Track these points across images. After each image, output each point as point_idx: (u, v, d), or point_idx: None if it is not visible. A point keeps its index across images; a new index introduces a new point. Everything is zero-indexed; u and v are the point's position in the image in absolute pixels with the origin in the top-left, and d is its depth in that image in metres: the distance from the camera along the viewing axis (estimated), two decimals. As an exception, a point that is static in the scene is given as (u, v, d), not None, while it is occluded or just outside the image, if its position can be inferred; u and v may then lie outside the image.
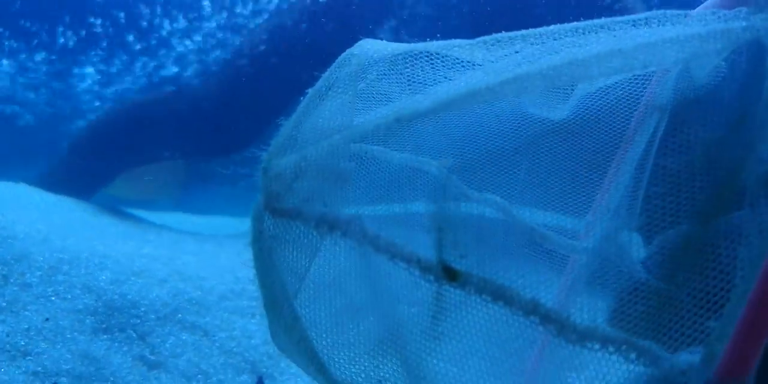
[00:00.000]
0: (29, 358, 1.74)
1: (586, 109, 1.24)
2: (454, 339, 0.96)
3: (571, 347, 0.87)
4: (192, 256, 2.88)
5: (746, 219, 0.77)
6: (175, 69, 6.84)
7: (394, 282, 1.03)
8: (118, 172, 5.66)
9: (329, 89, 1.30)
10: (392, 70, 1.24)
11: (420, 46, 1.22)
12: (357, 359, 1.05)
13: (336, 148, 1.15)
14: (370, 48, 1.27)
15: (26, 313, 1.95)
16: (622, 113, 1.23)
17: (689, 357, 0.79)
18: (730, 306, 0.75)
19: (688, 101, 1.13)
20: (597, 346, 0.84)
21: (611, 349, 0.83)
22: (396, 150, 1.22)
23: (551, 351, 0.93)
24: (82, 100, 7.29)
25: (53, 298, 2.05)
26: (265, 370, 2.04)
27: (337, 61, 1.29)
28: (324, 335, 1.06)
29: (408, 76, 1.22)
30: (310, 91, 1.32)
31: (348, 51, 1.29)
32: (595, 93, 1.24)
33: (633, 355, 0.82)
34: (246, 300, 2.33)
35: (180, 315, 2.19)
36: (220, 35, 6.56)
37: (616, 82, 1.23)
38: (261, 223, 1.14)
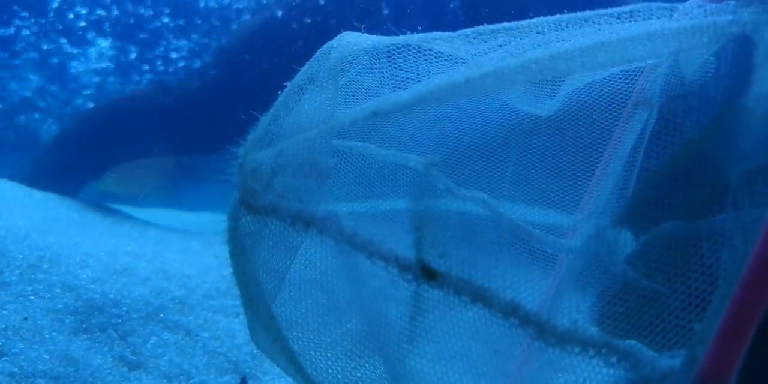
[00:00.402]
0: (5, 358, 1.71)
1: (574, 105, 1.21)
2: (435, 339, 0.94)
3: (551, 350, 0.84)
4: (177, 253, 2.84)
5: (729, 219, 0.75)
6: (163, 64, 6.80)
7: (373, 281, 1.01)
8: (105, 169, 5.62)
9: (309, 83, 1.27)
10: (374, 64, 1.22)
11: (401, 38, 1.19)
12: (335, 359, 1.03)
13: (314, 142, 1.12)
14: (351, 41, 1.24)
15: (4, 312, 1.92)
16: (611, 109, 1.21)
17: (670, 360, 0.76)
18: (712, 308, 0.73)
19: (677, 97, 1.11)
20: (577, 350, 0.81)
21: (591, 352, 0.81)
22: (378, 146, 1.20)
23: (537, 352, 0.91)
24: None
25: (32, 297, 2.01)
26: (248, 370, 2.01)
27: (316, 54, 1.26)
28: (302, 335, 1.04)
29: (390, 70, 1.19)
30: (288, 84, 1.29)
31: (328, 44, 1.26)
32: (583, 88, 1.21)
33: (614, 359, 0.79)
34: (230, 299, 2.30)
35: (162, 314, 2.16)
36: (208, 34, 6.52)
37: (605, 78, 1.21)
38: (236, 220, 1.12)
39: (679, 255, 0.80)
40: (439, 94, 1.13)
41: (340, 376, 1.03)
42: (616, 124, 1.23)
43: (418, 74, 1.19)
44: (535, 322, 0.83)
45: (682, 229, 0.81)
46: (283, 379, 1.96)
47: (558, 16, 1.04)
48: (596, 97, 1.23)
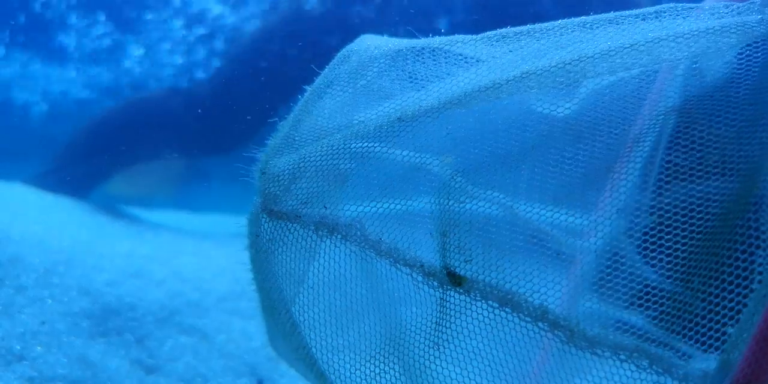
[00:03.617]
0: (25, 362, 1.71)
1: (593, 106, 1.20)
2: (459, 345, 0.93)
3: (580, 354, 0.83)
4: (190, 256, 2.84)
5: (765, 221, 0.74)
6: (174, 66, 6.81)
7: (396, 287, 1.00)
8: (116, 171, 5.64)
9: (328, 86, 1.27)
10: (393, 66, 1.21)
11: (422, 41, 1.18)
12: (358, 366, 1.02)
13: (336, 148, 1.11)
14: (371, 44, 1.24)
15: (22, 316, 1.92)
16: (629, 110, 1.20)
17: (704, 364, 0.76)
18: (747, 311, 0.72)
19: (698, 98, 1.09)
20: (608, 353, 0.81)
21: (622, 356, 0.80)
22: (398, 150, 1.19)
23: (557, 355, 0.90)
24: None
25: (49, 301, 2.01)
26: (265, 373, 2.01)
27: (336, 57, 1.25)
28: (323, 342, 1.03)
29: (410, 72, 1.19)
30: (308, 88, 1.28)
31: (347, 47, 1.25)
32: (602, 89, 1.20)
33: (645, 363, 0.79)
34: (246, 301, 2.30)
35: (178, 317, 2.16)
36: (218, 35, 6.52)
37: (624, 79, 1.19)
38: (258, 226, 1.11)
39: (712, 256, 0.80)
40: (464, 99, 1.13)
41: (364, 383, 1.03)
42: (634, 125, 1.22)
43: (439, 77, 1.18)
44: (564, 326, 0.82)
45: (715, 230, 0.80)
46: (299, 382, 1.96)
47: (582, 17, 1.03)
48: (614, 97, 1.22)
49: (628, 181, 1.17)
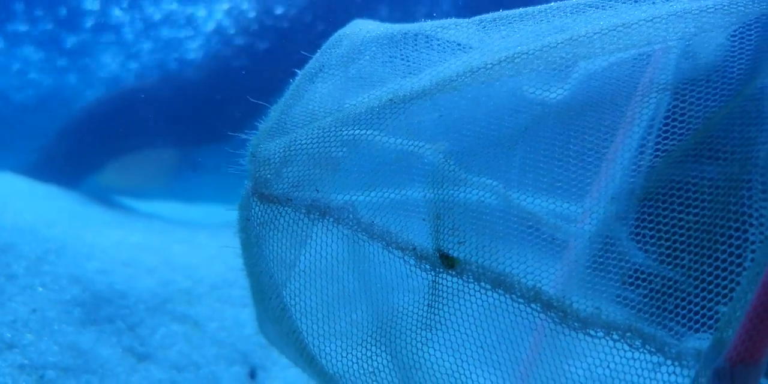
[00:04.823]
0: (15, 350, 1.70)
1: (586, 90, 1.20)
2: (450, 328, 0.93)
3: (573, 335, 0.83)
4: (182, 244, 2.83)
5: (758, 199, 0.74)
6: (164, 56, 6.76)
7: (388, 270, 1.00)
8: (107, 160, 5.61)
9: (320, 71, 1.26)
10: (385, 51, 1.20)
11: (414, 26, 1.17)
12: (350, 350, 1.02)
13: (327, 131, 1.11)
14: (363, 28, 1.23)
15: (12, 304, 1.91)
16: (623, 93, 1.20)
17: (697, 343, 0.76)
18: (740, 289, 0.72)
19: (692, 79, 1.09)
20: (600, 334, 0.81)
21: (615, 336, 0.80)
22: (389, 134, 1.18)
23: (550, 339, 0.90)
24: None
25: (40, 289, 2.00)
26: (257, 360, 2.01)
27: (328, 42, 1.24)
28: (314, 326, 1.03)
29: (402, 57, 1.18)
30: (299, 72, 1.27)
31: (339, 31, 1.24)
32: (594, 73, 1.20)
33: (638, 342, 0.78)
34: (238, 289, 2.29)
35: (170, 305, 2.15)
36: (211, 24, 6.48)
37: (617, 62, 1.19)
38: (249, 210, 1.10)
39: (705, 235, 0.79)
40: (457, 81, 1.12)
41: (355, 367, 1.02)
42: (627, 109, 1.22)
43: (431, 62, 1.17)
44: (557, 306, 0.82)
45: (708, 208, 0.80)
46: (291, 370, 1.95)
47: (575, 0, 1.03)
48: (607, 81, 1.22)
49: (622, 164, 1.16)
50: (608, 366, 0.82)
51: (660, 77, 1.17)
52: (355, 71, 1.23)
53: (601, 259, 1.03)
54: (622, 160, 1.17)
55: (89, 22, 6.62)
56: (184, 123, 5.41)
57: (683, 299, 0.78)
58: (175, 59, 6.72)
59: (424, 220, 0.98)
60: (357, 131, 1.13)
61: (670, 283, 0.81)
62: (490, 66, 1.02)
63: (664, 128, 1.08)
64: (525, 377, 0.98)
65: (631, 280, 0.89)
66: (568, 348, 0.88)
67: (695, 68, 1.09)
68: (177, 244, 2.81)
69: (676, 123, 1.05)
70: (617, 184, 1.15)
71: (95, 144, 5.49)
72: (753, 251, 0.72)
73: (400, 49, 1.21)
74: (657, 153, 1.08)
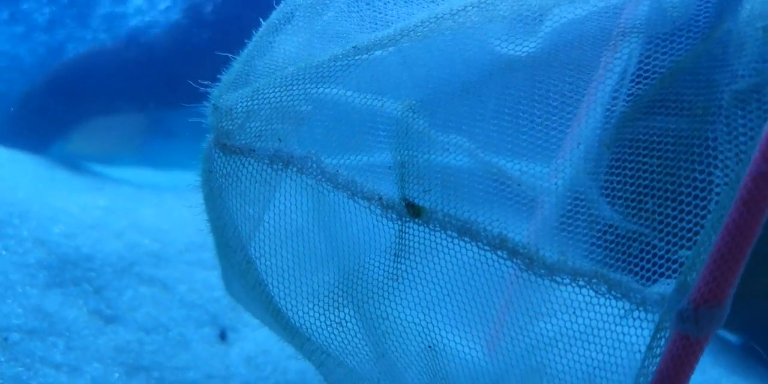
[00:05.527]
0: (-23, 313, 1.67)
1: (555, 44, 1.17)
2: (417, 277, 0.92)
3: (540, 282, 0.83)
4: (151, 208, 2.79)
5: (722, 141, 0.73)
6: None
7: (353, 221, 0.98)
8: (74, 126, 5.49)
9: (285, 23, 1.22)
10: (352, 7, 1.17)
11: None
12: (315, 302, 1.00)
13: (290, 80, 1.07)
14: (328, -24, 1.19)
15: (-26, 267, 1.87)
16: (593, 47, 1.18)
17: (662, 288, 0.75)
18: (704, 232, 0.71)
19: (663, 30, 1.07)
20: (567, 280, 0.80)
21: (581, 282, 0.79)
22: (354, 85, 1.15)
23: (521, 297, 0.89)
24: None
25: (3, 253, 1.96)
26: (227, 322, 2.00)
27: (292, -10, 1.20)
28: (279, 278, 1.01)
29: (369, 14, 1.15)
30: (263, 23, 1.24)
31: (304, -19, 1.20)
32: (564, 26, 1.17)
33: (604, 288, 0.78)
34: (208, 252, 2.26)
35: (137, 268, 2.12)
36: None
37: (587, 15, 1.17)
38: (211, 162, 1.08)
39: (669, 178, 0.79)
40: (422, 29, 1.09)
41: (322, 319, 1.01)
42: (600, 61, 1.20)
43: (399, 18, 1.14)
44: (524, 253, 0.81)
45: (675, 150, 0.79)
46: (262, 330, 1.95)
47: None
48: (578, 35, 1.20)
49: (595, 117, 1.15)
50: (574, 313, 0.82)
51: (632, 27, 1.15)
52: (320, 26, 1.19)
53: (570, 216, 1.02)
54: (594, 114, 1.16)
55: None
56: (154, 87, 5.30)
57: (647, 244, 0.78)
58: (143, 20, 6.56)
59: (389, 168, 0.96)
60: (321, 83, 1.10)
61: (636, 232, 0.80)
62: (455, 12, 1.00)
63: (636, 80, 1.06)
64: (494, 331, 0.97)
65: (598, 227, 0.88)
66: (538, 305, 0.87)
67: (665, 19, 1.08)
68: (145, 208, 2.77)
69: (648, 74, 1.04)
70: (589, 136, 1.14)
71: (61, 109, 5.36)
72: (717, 194, 0.72)
73: (368, 4, 1.18)
74: (627, 106, 1.07)
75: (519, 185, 1.03)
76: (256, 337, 1.92)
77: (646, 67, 0.98)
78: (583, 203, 1.02)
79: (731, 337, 2.09)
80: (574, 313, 0.80)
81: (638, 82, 1.02)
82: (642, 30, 1.12)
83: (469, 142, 1.07)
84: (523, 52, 1.16)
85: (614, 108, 1.11)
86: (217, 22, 4.92)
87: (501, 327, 0.96)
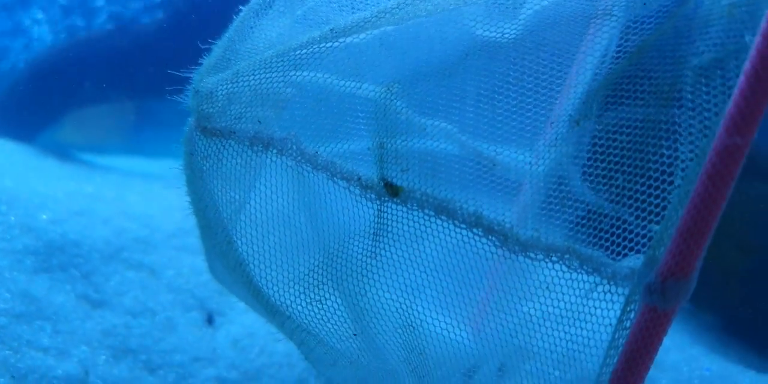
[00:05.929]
0: (-36, 298, 1.68)
1: (535, 29, 1.18)
2: (395, 255, 0.93)
3: (515, 258, 0.84)
4: (139, 195, 2.79)
5: (688, 116, 0.75)
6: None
7: (333, 201, 0.99)
8: (61, 114, 5.46)
9: (267, 8, 1.23)
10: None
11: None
12: (296, 280, 1.02)
13: (270, 64, 1.08)
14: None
15: (-40, 253, 1.87)
16: (573, 32, 1.19)
17: (632, 262, 0.77)
18: (671, 207, 0.73)
19: (642, 18, 1.09)
20: (540, 256, 0.82)
21: (554, 258, 0.81)
22: (333, 68, 1.16)
23: (503, 281, 0.91)
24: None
25: (-10, 239, 1.96)
26: (214, 306, 2.01)
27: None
28: (260, 258, 1.03)
29: (352, 1, 1.15)
30: (243, 9, 1.24)
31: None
32: (544, 9, 1.18)
33: (576, 263, 0.80)
34: (195, 238, 2.26)
35: (125, 253, 2.13)
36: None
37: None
38: (192, 145, 1.09)
39: (638, 154, 0.80)
40: (399, 11, 1.10)
41: (303, 297, 1.03)
42: (578, 46, 1.21)
43: (380, 4, 1.14)
44: (498, 230, 0.82)
45: (642, 126, 0.81)
46: (249, 314, 1.96)
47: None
48: (556, 17, 1.21)
49: (575, 100, 1.16)
50: (548, 287, 0.84)
51: (611, 12, 1.16)
52: (301, 12, 1.20)
53: (551, 200, 1.03)
54: (575, 96, 1.17)
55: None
56: (142, 76, 5.27)
57: (618, 219, 0.79)
58: (132, 8, 6.52)
59: (369, 149, 0.97)
60: (300, 66, 1.11)
61: (609, 209, 0.82)
62: (433, -8, 1.00)
63: (615, 62, 1.08)
64: (476, 309, 0.99)
65: (572, 204, 0.90)
66: (520, 289, 0.89)
67: (646, 7, 1.08)
68: (133, 195, 2.77)
69: (625, 54, 1.05)
70: (568, 124, 1.15)
71: (49, 98, 5.33)
72: (683, 169, 0.73)
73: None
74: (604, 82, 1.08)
75: (494, 165, 1.04)
76: (242, 320, 1.94)
77: (625, 50, 1.00)
78: (560, 181, 1.04)
79: (711, 317, 2.12)
80: (547, 288, 0.82)
81: (617, 64, 1.03)
82: (620, 13, 1.13)
83: (446, 122, 1.08)
84: (501, 35, 1.17)
85: (595, 94, 1.12)
86: (208, 10, 4.90)
87: (481, 305, 0.97)
